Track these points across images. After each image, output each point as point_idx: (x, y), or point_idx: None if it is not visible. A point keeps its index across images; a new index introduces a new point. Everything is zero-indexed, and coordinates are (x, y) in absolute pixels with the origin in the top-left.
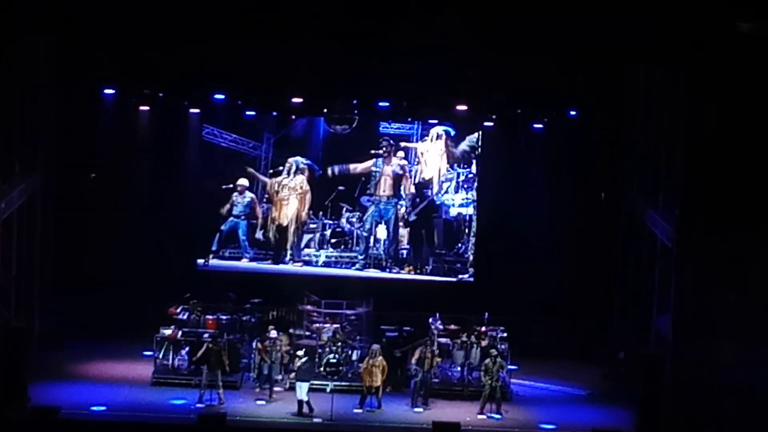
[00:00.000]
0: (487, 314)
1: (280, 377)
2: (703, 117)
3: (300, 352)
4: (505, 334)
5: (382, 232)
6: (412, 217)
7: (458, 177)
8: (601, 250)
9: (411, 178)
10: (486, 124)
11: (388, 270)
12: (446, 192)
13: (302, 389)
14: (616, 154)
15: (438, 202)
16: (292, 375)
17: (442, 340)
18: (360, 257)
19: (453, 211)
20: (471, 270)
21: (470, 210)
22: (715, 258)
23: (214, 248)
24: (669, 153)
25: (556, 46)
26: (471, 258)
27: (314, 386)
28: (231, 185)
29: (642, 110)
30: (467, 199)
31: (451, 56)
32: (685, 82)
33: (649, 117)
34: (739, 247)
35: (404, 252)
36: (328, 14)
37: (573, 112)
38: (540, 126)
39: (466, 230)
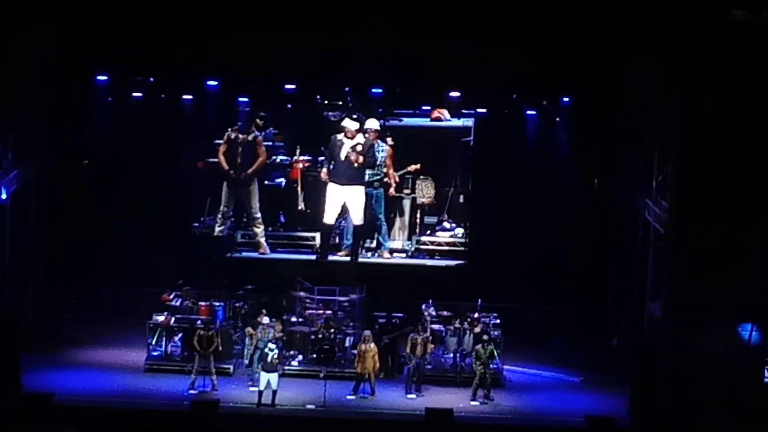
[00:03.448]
0: (480, 301)
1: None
2: (697, 105)
3: (271, 344)
4: (498, 321)
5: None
6: None
7: None
8: (595, 237)
9: None
10: (480, 110)
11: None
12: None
13: (271, 380)
14: (610, 141)
15: None
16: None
17: (435, 326)
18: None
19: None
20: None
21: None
22: (709, 245)
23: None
24: (663, 140)
25: (550, 34)
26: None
27: (307, 373)
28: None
29: (636, 97)
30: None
31: (444, 43)
32: (679, 69)
33: (644, 104)
34: (732, 235)
35: None
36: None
37: (567, 99)
38: (534, 113)
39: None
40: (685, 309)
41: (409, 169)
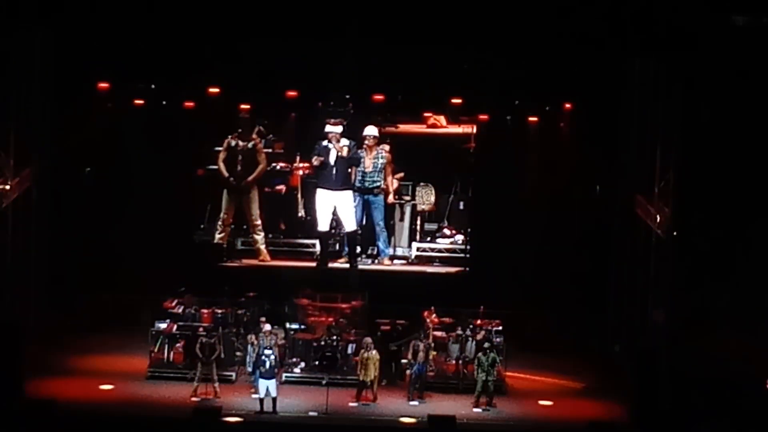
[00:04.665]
0: (482, 308)
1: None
2: (698, 110)
3: (268, 351)
4: (500, 328)
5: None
6: None
7: None
8: (597, 243)
9: None
10: (481, 116)
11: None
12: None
13: (270, 387)
14: (612, 146)
15: None
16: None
17: (438, 333)
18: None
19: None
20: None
21: None
22: (710, 250)
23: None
24: (664, 146)
25: (551, 40)
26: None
27: (309, 380)
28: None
29: (637, 103)
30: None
31: (446, 50)
32: (680, 75)
33: (645, 110)
34: (733, 240)
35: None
36: (322, 8)
37: (568, 105)
38: (535, 119)
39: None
40: (686, 314)
41: (395, 177)
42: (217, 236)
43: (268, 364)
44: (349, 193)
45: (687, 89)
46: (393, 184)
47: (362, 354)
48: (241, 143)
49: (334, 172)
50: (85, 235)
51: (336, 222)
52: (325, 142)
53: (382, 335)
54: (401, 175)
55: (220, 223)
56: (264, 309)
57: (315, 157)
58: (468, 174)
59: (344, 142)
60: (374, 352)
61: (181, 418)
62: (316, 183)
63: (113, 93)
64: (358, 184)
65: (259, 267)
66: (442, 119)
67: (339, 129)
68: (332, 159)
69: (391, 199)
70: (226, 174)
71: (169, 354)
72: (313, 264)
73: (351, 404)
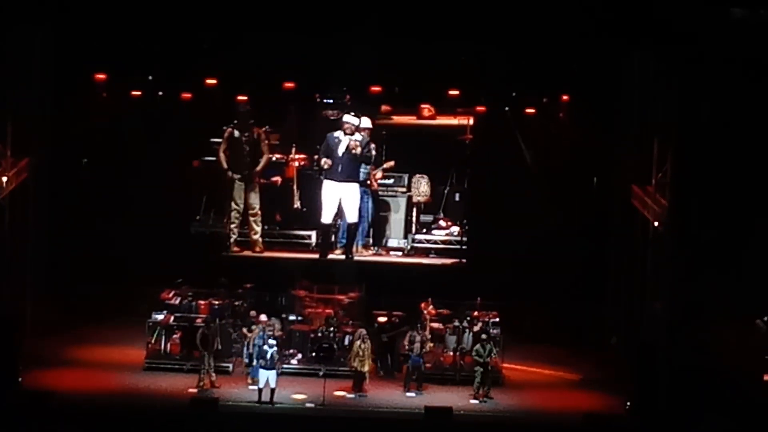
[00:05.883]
0: (479, 299)
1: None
2: (696, 102)
3: (272, 341)
4: (497, 319)
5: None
6: None
7: None
8: (594, 236)
9: None
10: (478, 108)
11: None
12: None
13: (270, 378)
14: (609, 138)
15: None
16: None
17: (435, 324)
18: None
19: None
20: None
21: None
22: (708, 242)
23: None
24: (662, 137)
25: (549, 32)
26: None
27: (306, 371)
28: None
29: (635, 94)
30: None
31: (443, 42)
32: (678, 66)
33: (643, 101)
34: (731, 232)
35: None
36: (322, 3)
37: (566, 97)
38: (532, 110)
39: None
40: (684, 307)
41: (384, 166)
42: (232, 227)
43: (269, 355)
44: (356, 185)
45: (685, 81)
46: (375, 175)
47: (357, 345)
48: (245, 135)
49: (340, 163)
50: (82, 227)
51: (338, 213)
52: (337, 133)
53: (378, 327)
54: (392, 163)
55: (235, 214)
56: (262, 300)
57: (324, 160)
58: (464, 166)
59: (357, 136)
60: (368, 343)
61: (178, 409)
62: (318, 174)
63: (110, 84)
64: None
65: (255, 258)
66: (438, 111)
67: (356, 121)
68: (341, 151)
69: (374, 184)
70: (225, 165)
71: (166, 345)
72: (309, 255)
73: (348, 396)
